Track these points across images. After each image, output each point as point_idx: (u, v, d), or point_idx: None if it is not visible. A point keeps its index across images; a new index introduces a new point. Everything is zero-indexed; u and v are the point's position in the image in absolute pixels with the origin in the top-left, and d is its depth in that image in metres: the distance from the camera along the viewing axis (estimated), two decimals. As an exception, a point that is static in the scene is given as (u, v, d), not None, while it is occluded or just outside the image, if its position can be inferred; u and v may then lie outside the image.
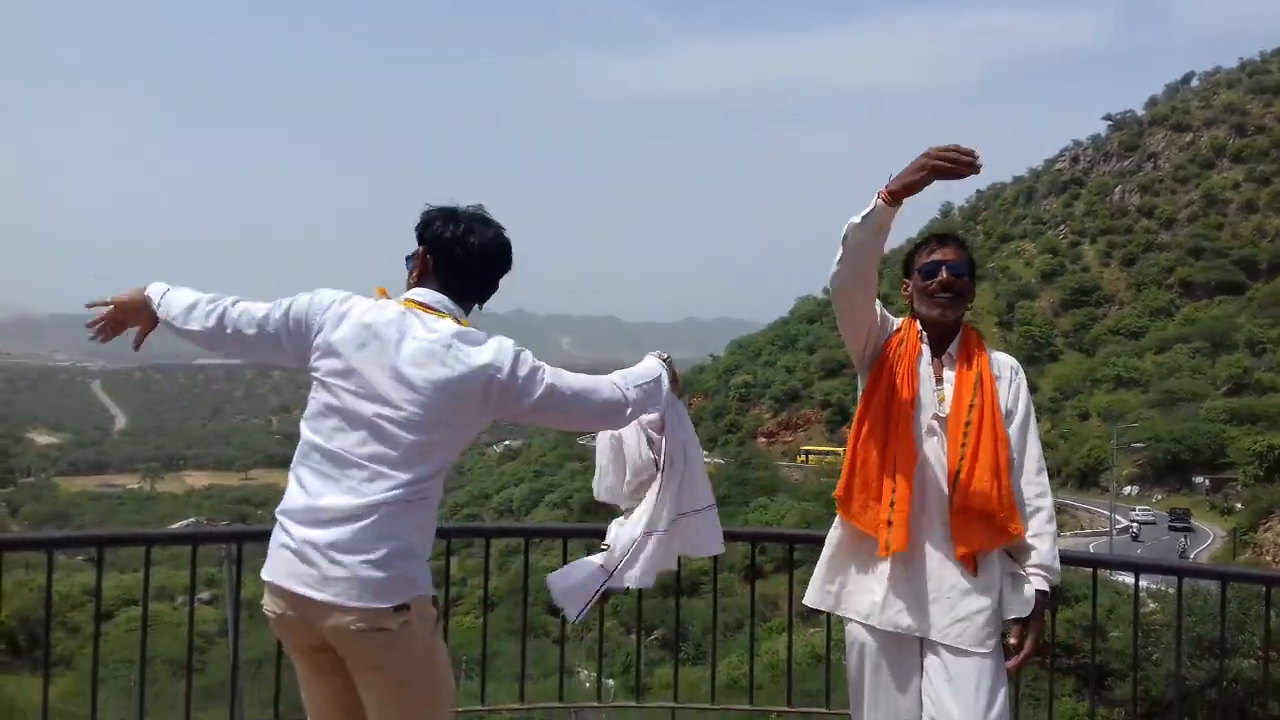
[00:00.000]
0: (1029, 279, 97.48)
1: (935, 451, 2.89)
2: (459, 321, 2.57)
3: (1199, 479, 57.01)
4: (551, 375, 2.56)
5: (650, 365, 2.86)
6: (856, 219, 2.68)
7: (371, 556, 2.43)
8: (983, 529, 2.82)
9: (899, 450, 2.88)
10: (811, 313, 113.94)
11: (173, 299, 2.78)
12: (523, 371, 2.52)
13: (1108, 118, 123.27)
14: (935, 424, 2.90)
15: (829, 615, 4.33)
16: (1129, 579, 3.78)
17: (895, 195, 2.63)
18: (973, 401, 2.87)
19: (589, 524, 3.71)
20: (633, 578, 2.91)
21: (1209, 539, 46.99)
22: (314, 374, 2.60)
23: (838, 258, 2.79)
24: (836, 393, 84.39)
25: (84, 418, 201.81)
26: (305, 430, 2.61)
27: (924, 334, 2.99)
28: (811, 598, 3.11)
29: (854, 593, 2.97)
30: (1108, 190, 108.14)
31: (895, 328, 3.03)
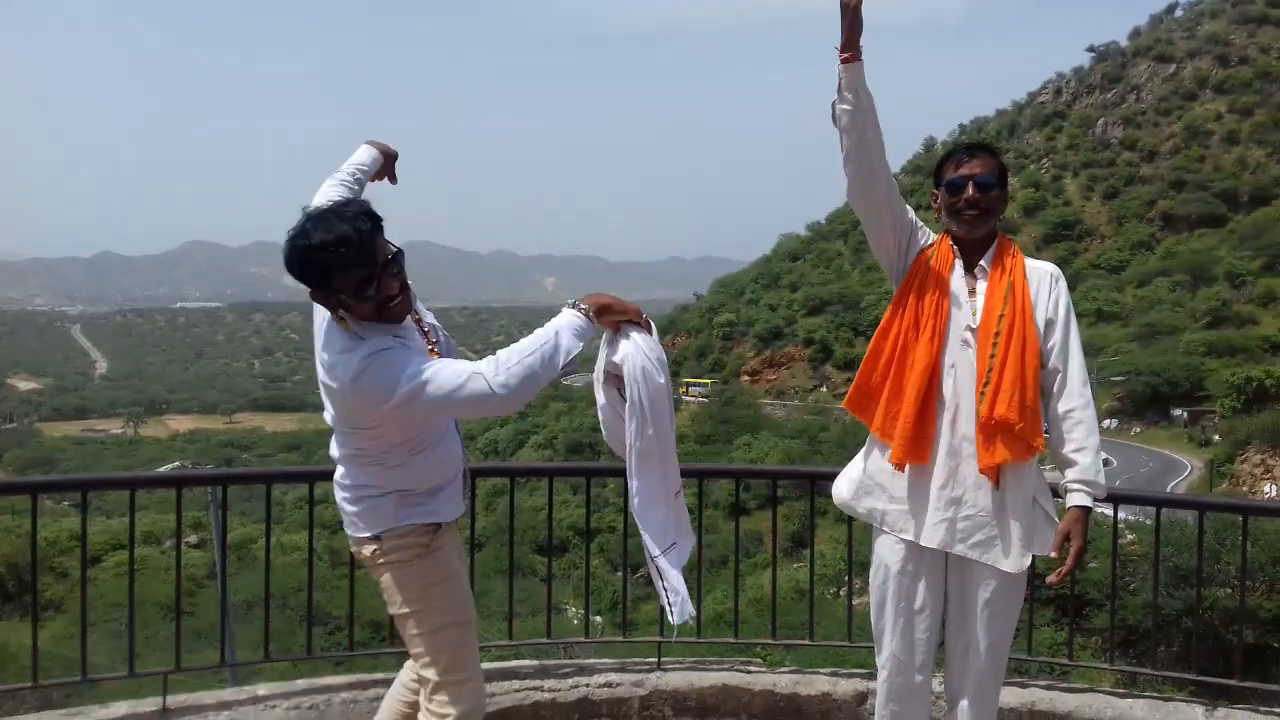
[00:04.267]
0: (1011, 214, 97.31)
1: (969, 364, 2.85)
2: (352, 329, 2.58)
3: (1177, 412, 57.55)
4: (408, 385, 2.48)
5: (549, 328, 2.57)
6: (835, 96, 2.79)
7: (346, 494, 2.78)
8: (1005, 442, 2.79)
9: (920, 364, 2.86)
10: (795, 250, 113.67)
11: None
12: (370, 384, 2.50)
13: (1091, 49, 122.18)
14: (969, 335, 2.86)
15: (812, 551, 4.35)
16: (1108, 510, 3.82)
17: (846, 50, 2.74)
18: (1002, 312, 2.83)
19: (573, 463, 3.73)
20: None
21: (1187, 470, 47.59)
22: None
23: (842, 150, 2.84)
24: (820, 330, 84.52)
25: (65, 363, 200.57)
26: None
27: (956, 250, 2.95)
28: (842, 497, 3.09)
29: (884, 505, 2.96)
30: (1090, 123, 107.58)
31: (929, 241, 3.00)
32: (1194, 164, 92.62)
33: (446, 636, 2.75)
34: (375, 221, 2.55)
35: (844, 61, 2.76)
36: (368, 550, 2.75)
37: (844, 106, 2.80)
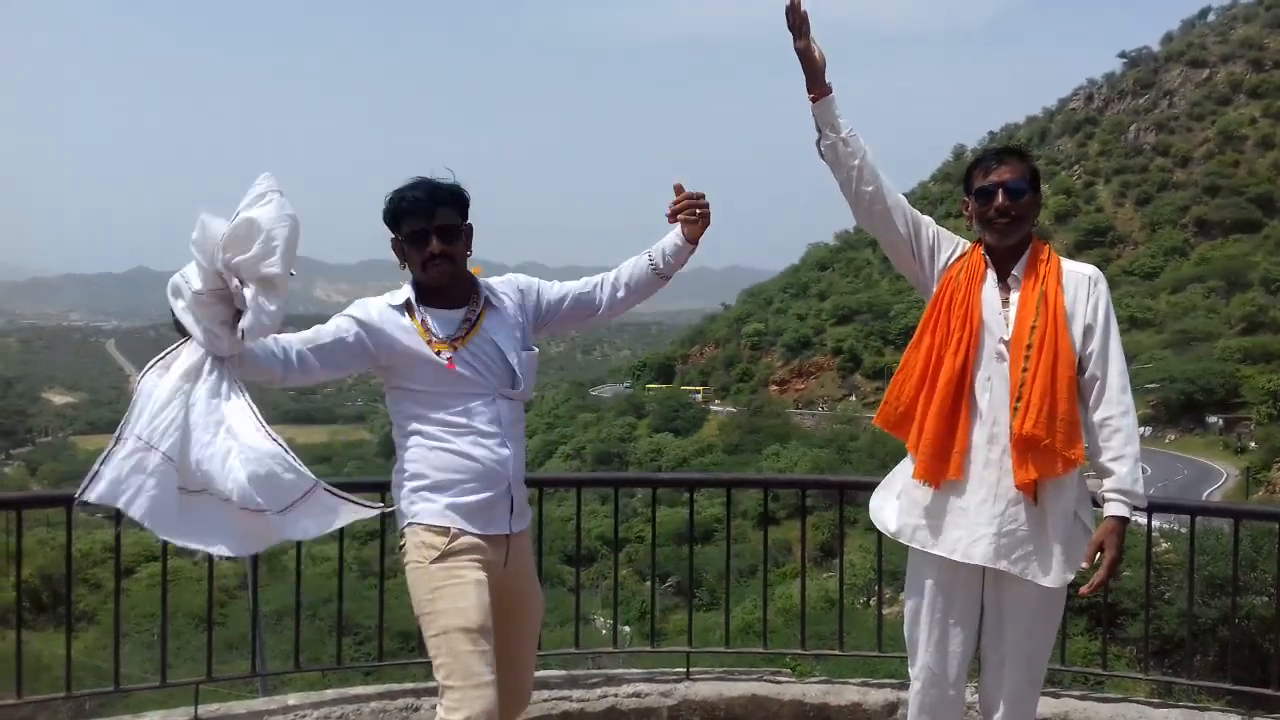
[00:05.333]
0: (1043, 221, 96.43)
1: (1004, 377, 2.81)
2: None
3: (1213, 419, 56.87)
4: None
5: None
6: (816, 134, 2.88)
7: None
8: (1037, 456, 2.74)
9: (948, 379, 2.83)
10: (823, 259, 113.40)
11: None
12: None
13: (1123, 55, 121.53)
14: (1003, 348, 2.82)
15: (842, 560, 4.32)
16: (1142, 519, 3.78)
17: (812, 91, 2.86)
18: (1034, 323, 2.77)
19: (601, 474, 3.73)
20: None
21: (1223, 478, 46.97)
22: None
23: (839, 187, 2.91)
24: (848, 339, 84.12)
25: (99, 377, 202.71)
26: None
27: (988, 259, 2.90)
28: (878, 515, 3.06)
29: (920, 522, 2.91)
30: (1122, 129, 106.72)
31: (958, 252, 2.96)
32: (1228, 169, 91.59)
33: (452, 641, 2.75)
34: (454, 195, 2.88)
35: (813, 101, 2.86)
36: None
37: (825, 143, 2.88)
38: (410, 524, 2.88)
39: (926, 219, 2.98)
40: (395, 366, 2.89)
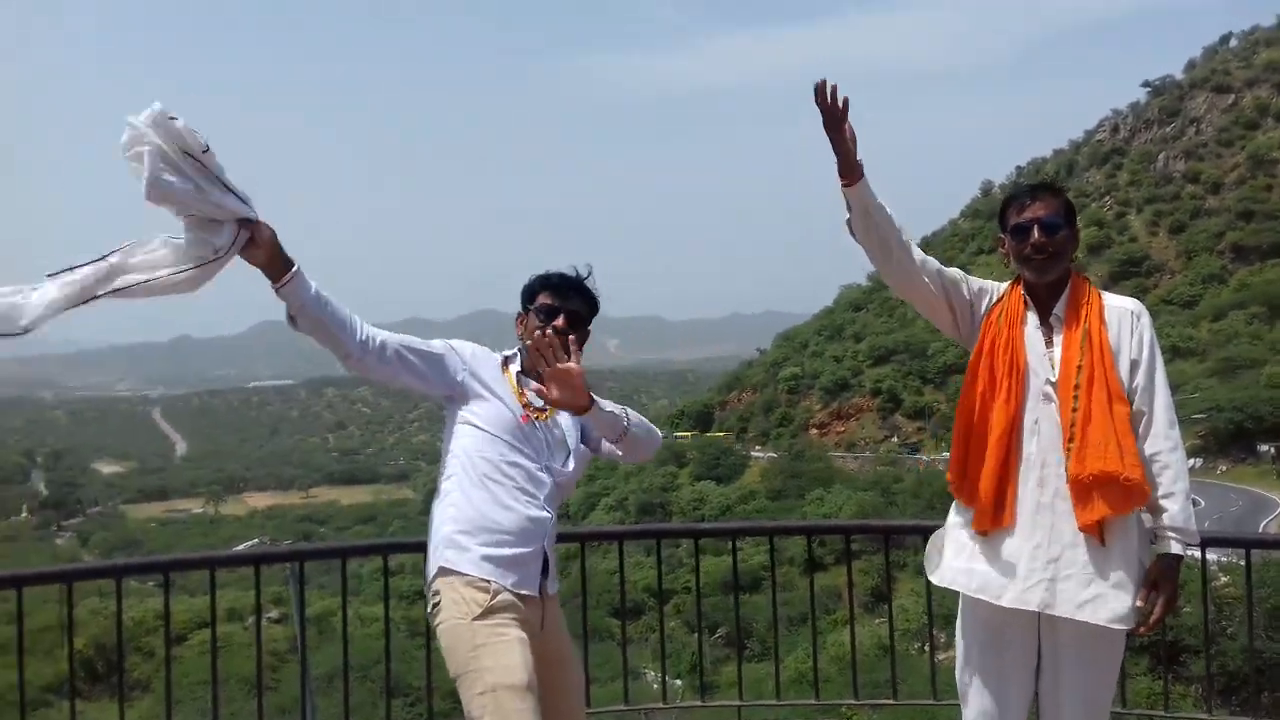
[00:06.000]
0: (1077, 254, 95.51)
1: (1052, 420, 2.77)
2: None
3: (1264, 447, 55.74)
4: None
5: None
6: (847, 214, 2.83)
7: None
8: (1103, 495, 2.68)
9: (998, 427, 2.79)
10: (857, 300, 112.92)
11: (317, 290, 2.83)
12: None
13: (1146, 84, 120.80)
14: (1049, 389, 2.78)
15: (891, 606, 4.27)
16: (1197, 553, 3.70)
17: (845, 175, 2.76)
18: (1080, 362, 2.74)
19: (642, 525, 3.71)
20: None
21: (1278, 508, 45.94)
22: None
23: (869, 258, 2.88)
24: (887, 380, 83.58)
25: (146, 445, 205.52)
26: None
27: (1028, 298, 2.88)
28: (933, 571, 2.99)
29: (972, 569, 2.85)
30: (1151, 158, 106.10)
31: (996, 297, 2.93)
32: (1261, 193, 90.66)
33: (500, 699, 2.73)
34: (589, 297, 3.15)
35: (846, 186, 2.79)
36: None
37: (857, 225, 2.85)
38: (446, 572, 2.88)
39: (957, 274, 2.96)
40: (472, 400, 2.98)
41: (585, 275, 3.16)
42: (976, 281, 2.97)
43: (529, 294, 3.14)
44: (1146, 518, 2.85)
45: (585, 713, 3.12)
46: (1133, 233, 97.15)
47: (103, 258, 2.52)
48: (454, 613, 2.81)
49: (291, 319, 2.73)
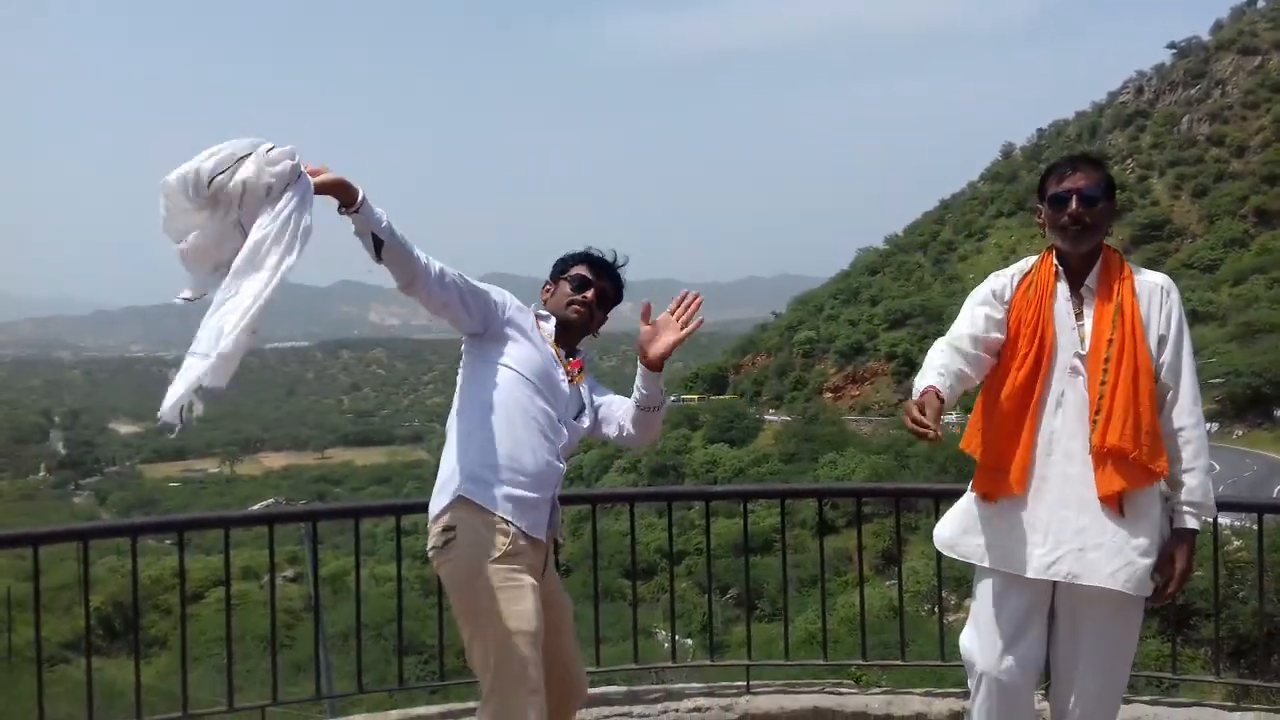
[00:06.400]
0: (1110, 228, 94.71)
1: (1079, 392, 2.79)
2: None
3: (1281, 412, 55.51)
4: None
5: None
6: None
7: None
8: (1122, 469, 2.72)
9: (1023, 397, 2.82)
10: (873, 264, 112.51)
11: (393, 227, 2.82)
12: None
13: (1172, 45, 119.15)
14: (1078, 363, 2.80)
15: (901, 568, 4.29)
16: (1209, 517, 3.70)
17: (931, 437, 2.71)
18: (1111, 336, 2.76)
19: (654, 488, 3.72)
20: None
21: (1294, 474, 45.76)
22: None
23: None
24: (902, 344, 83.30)
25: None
26: None
27: (1059, 269, 2.89)
28: (948, 544, 3.02)
29: (994, 542, 2.88)
30: (1175, 121, 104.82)
31: (1020, 278, 2.94)
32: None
33: (512, 646, 2.77)
34: (619, 280, 3.29)
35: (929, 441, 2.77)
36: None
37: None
38: (466, 504, 2.85)
39: (981, 314, 2.96)
40: (509, 342, 3.01)
41: (621, 263, 3.31)
42: (988, 299, 2.97)
43: (564, 264, 3.26)
44: (1166, 489, 2.86)
45: (579, 650, 3.15)
46: (1155, 196, 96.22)
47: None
48: (472, 551, 2.80)
49: (376, 250, 2.66)
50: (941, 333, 3.07)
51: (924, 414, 2.68)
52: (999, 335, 2.94)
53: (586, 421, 3.18)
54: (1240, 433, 56.86)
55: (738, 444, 71.03)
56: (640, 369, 3.19)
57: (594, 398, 3.26)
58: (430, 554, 2.90)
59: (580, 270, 3.23)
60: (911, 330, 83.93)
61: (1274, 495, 37.22)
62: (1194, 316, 72.66)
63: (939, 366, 2.88)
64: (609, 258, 3.29)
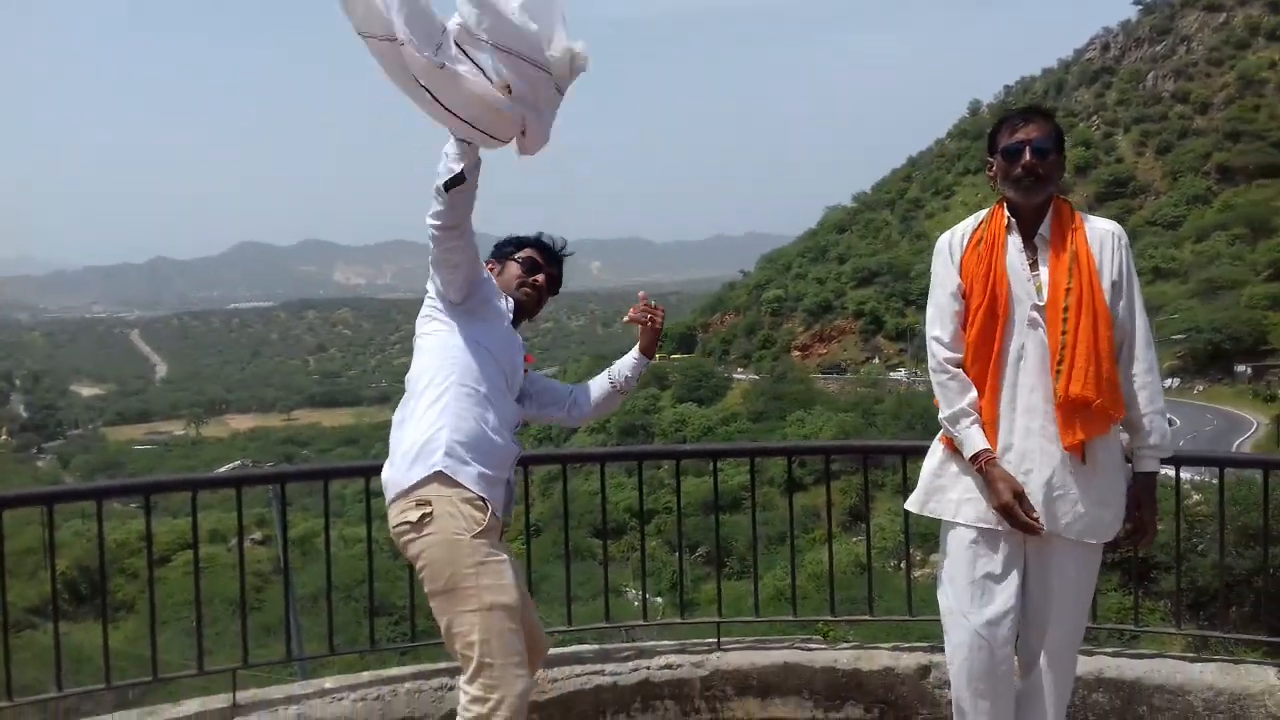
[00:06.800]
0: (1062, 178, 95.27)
1: (1039, 343, 2.80)
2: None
3: (1241, 368, 56.39)
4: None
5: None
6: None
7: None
8: (1084, 418, 2.74)
9: (981, 352, 2.83)
10: (841, 222, 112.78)
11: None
12: None
13: (1138, 1, 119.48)
14: (1036, 314, 2.81)
15: (869, 524, 4.32)
16: (1170, 471, 3.76)
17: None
18: (1069, 285, 2.77)
19: (624, 448, 3.73)
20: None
21: (1253, 427, 46.60)
22: None
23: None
24: (870, 302, 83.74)
25: (125, 368, 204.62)
26: None
27: (1011, 221, 2.89)
28: (916, 501, 3.04)
29: (963, 497, 2.90)
30: (1140, 77, 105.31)
31: (969, 235, 2.93)
32: (1249, 114, 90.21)
33: (496, 619, 2.77)
34: (561, 269, 3.33)
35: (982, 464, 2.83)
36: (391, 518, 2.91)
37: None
38: (443, 480, 2.80)
39: (950, 313, 2.93)
40: (487, 322, 3.03)
41: (569, 252, 3.36)
42: (948, 265, 2.95)
43: (514, 246, 3.28)
44: (1124, 437, 2.91)
45: (535, 610, 3.15)
46: (1119, 153, 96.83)
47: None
48: (451, 526, 2.76)
49: (459, 179, 2.65)
50: (909, 290, 3.07)
51: (1020, 502, 2.77)
52: (961, 296, 2.93)
53: (530, 409, 3.27)
54: (1201, 388, 57.76)
55: (706, 403, 71.31)
56: (637, 354, 3.34)
57: (531, 381, 3.30)
58: (400, 530, 2.83)
59: (532, 254, 3.25)
60: (879, 288, 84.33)
61: (1234, 449, 37.91)
62: (1156, 273, 73.94)
63: (969, 414, 2.86)
64: (558, 245, 3.32)
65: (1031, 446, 2.80)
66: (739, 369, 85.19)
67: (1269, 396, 51.16)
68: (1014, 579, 2.89)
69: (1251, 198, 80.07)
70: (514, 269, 3.22)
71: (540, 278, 3.23)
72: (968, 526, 2.89)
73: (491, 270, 3.23)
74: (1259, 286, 61.97)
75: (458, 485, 2.79)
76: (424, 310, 3.06)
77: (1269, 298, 58.55)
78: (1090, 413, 2.74)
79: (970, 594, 2.90)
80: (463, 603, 2.75)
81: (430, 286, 3.03)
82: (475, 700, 2.72)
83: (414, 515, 2.79)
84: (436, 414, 2.86)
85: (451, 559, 2.75)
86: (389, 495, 2.88)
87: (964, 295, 2.90)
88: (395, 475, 2.87)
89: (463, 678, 2.78)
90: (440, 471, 2.80)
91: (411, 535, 2.80)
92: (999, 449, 2.83)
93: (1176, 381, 58.28)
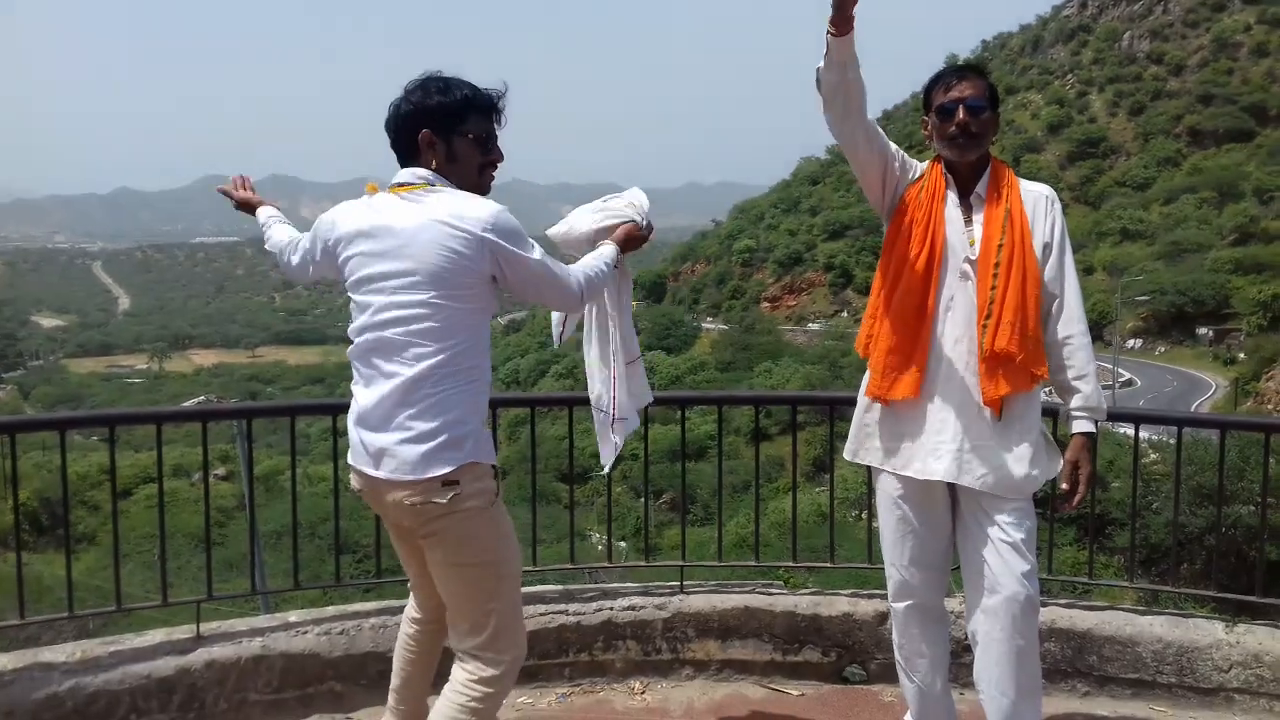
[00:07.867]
0: (1035, 132, 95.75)
1: (968, 296, 2.81)
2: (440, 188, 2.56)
3: (1203, 330, 57.17)
4: (539, 252, 2.61)
5: (604, 254, 2.97)
6: (821, 63, 2.67)
7: (411, 433, 2.50)
8: (1007, 373, 2.77)
9: (913, 299, 2.84)
10: (814, 174, 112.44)
11: (273, 235, 3.17)
12: (509, 227, 2.52)
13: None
14: (967, 267, 2.82)
15: (832, 475, 4.36)
16: (1129, 430, 3.81)
17: (837, 25, 2.57)
18: (1001, 241, 2.78)
19: (594, 392, 3.72)
20: (624, 405, 3.28)
21: (1212, 389, 47.38)
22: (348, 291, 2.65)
23: (821, 105, 2.76)
24: (840, 255, 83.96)
25: (87, 299, 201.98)
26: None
27: (949, 176, 2.90)
28: (849, 450, 3.07)
29: (887, 445, 2.93)
30: (1116, 36, 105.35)
31: (918, 174, 2.94)
32: (1222, 77, 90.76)
33: (517, 587, 2.74)
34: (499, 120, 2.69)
35: (833, 35, 2.58)
36: (441, 496, 2.51)
37: (830, 78, 2.68)
38: (476, 464, 2.55)
39: (894, 146, 2.94)
40: (493, 301, 2.65)
41: (504, 93, 2.68)
42: (905, 157, 2.97)
43: (461, 109, 2.58)
44: (1057, 397, 2.95)
45: None
46: (1092, 113, 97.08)
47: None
48: (479, 502, 2.57)
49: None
50: (879, 245, 3.06)
51: None
52: (887, 170, 2.91)
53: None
54: (1162, 349, 58.56)
55: (674, 351, 71.49)
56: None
57: None
58: (426, 510, 2.53)
59: (486, 123, 2.63)
60: (850, 241, 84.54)
61: (1193, 409, 38.55)
62: (1124, 234, 74.33)
63: None
64: (498, 92, 2.65)
65: (952, 397, 2.83)
66: (708, 318, 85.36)
67: (1229, 359, 51.97)
68: (938, 527, 2.94)
69: (1221, 162, 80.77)
70: (469, 149, 2.61)
71: (497, 154, 2.67)
72: (891, 474, 2.94)
73: (428, 144, 2.58)
74: (1224, 251, 62.70)
75: (484, 465, 2.60)
76: (462, 274, 2.49)
77: (1233, 262, 59.28)
78: (1013, 368, 2.77)
79: (896, 541, 2.97)
80: (496, 571, 2.64)
81: (493, 268, 2.54)
82: (490, 662, 2.64)
83: (443, 494, 2.52)
84: (476, 393, 2.58)
85: (495, 530, 2.63)
86: (406, 472, 2.52)
87: (890, 170, 2.91)
88: (415, 453, 2.51)
89: (472, 640, 2.65)
90: (477, 462, 2.56)
91: (442, 514, 2.55)
92: (922, 395, 2.85)
93: (1139, 342, 59.04)
